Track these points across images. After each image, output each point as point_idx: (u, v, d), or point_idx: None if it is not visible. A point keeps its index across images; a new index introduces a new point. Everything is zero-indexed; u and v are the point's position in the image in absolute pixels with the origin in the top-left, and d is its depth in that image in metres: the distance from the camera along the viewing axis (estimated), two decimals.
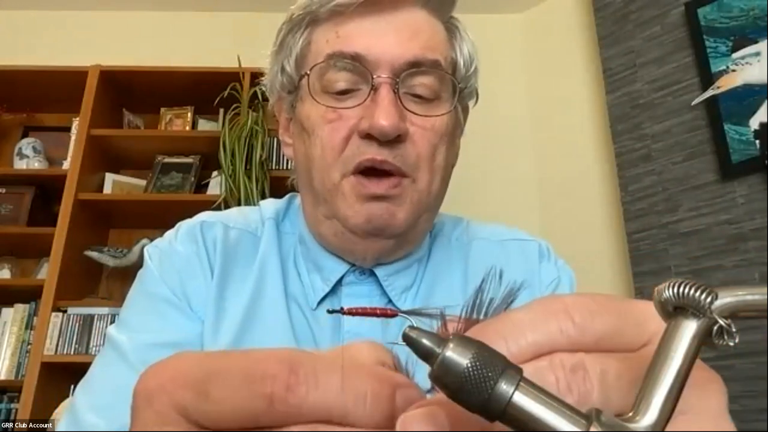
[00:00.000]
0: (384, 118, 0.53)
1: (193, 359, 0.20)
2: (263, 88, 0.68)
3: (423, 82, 0.57)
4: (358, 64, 0.56)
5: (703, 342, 0.19)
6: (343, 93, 0.57)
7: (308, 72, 0.58)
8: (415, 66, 0.56)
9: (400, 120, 0.54)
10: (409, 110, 0.56)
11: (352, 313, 0.29)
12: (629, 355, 0.20)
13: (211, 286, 0.60)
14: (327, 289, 0.61)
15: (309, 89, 0.58)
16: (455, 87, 0.60)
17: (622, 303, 0.21)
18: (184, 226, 0.65)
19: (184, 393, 0.18)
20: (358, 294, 0.62)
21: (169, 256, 0.62)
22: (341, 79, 0.57)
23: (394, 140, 0.55)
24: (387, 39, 0.56)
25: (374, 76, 0.55)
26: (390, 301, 0.62)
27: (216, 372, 0.18)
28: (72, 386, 1.90)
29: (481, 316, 0.22)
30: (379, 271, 0.62)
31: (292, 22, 0.61)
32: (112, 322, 2.03)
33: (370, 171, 0.55)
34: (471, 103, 0.67)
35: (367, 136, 0.55)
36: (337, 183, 0.56)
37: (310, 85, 0.58)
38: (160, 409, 0.19)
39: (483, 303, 0.22)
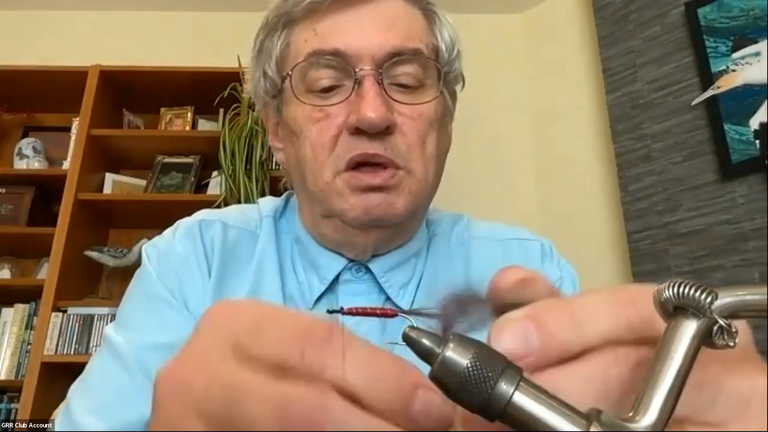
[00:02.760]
0: (371, 110, 0.53)
1: (247, 303, 0.23)
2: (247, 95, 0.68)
3: (406, 71, 0.57)
4: (339, 59, 0.55)
5: (703, 342, 0.19)
6: (327, 90, 0.56)
7: (290, 73, 0.58)
8: (397, 55, 0.56)
9: (386, 110, 0.54)
10: (395, 100, 0.56)
11: (352, 313, 0.29)
12: None
13: (208, 286, 0.59)
14: (323, 288, 0.61)
15: (293, 90, 0.57)
16: (439, 72, 0.60)
17: None
18: (182, 224, 0.64)
19: (240, 326, 0.22)
20: (356, 292, 0.62)
21: (167, 255, 0.61)
22: (324, 77, 0.56)
23: (383, 132, 0.54)
24: (365, 31, 0.56)
25: (356, 70, 0.55)
26: (388, 298, 0.61)
27: (269, 315, 0.22)
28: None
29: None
30: (375, 268, 0.61)
31: (268, 26, 0.61)
32: (112, 322, 2.03)
33: (362, 165, 0.55)
34: (458, 88, 0.66)
35: (356, 131, 0.54)
36: (330, 181, 0.56)
37: (293, 85, 0.57)
38: (218, 335, 0.22)
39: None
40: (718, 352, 0.19)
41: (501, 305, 0.22)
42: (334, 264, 0.61)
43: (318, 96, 0.57)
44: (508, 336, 0.20)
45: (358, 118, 0.53)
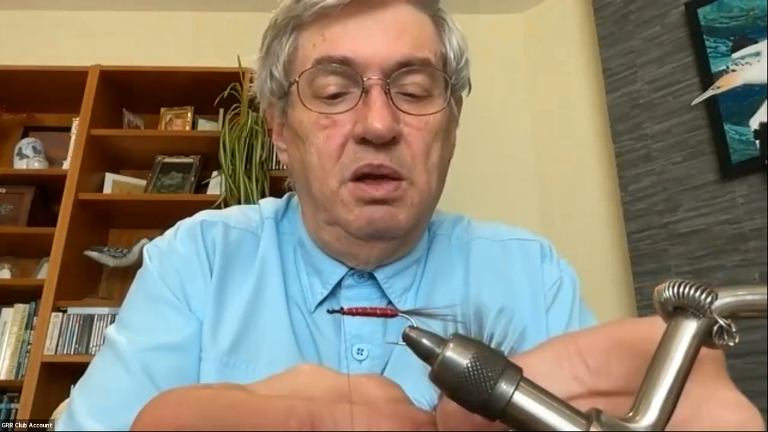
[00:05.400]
0: (378, 120, 0.52)
1: (196, 405, 0.18)
2: (252, 94, 0.68)
3: (414, 81, 0.56)
4: (347, 67, 0.55)
5: (703, 342, 0.19)
6: (334, 97, 0.56)
7: (297, 79, 0.57)
8: (405, 65, 0.55)
9: (393, 121, 0.54)
10: (401, 110, 0.56)
11: (352, 312, 0.29)
12: None
13: (210, 287, 0.59)
14: (326, 293, 0.60)
15: (299, 95, 0.57)
16: (447, 82, 0.59)
17: (642, 340, 0.20)
18: (183, 225, 0.64)
19: None
20: (358, 297, 0.61)
21: (169, 256, 0.61)
22: (331, 83, 0.56)
23: (389, 142, 0.54)
24: (374, 39, 0.55)
25: (364, 79, 0.55)
26: (390, 302, 0.61)
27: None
28: (72, 386, 1.90)
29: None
30: (379, 274, 0.61)
31: (276, 28, 0.61)
32: (112, 322, 2.02)
33: (367, 176, 0.55)
34: (464, 93, 0.66)
35: (363, 141, 0.54)
36: (335, 190, 0.56)
37: (300, 91, 0.57)
38: None
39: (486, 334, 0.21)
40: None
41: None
42: (336, 270, 0.61)
43: (325, 102, 0.56)
44: (452, 414, 0.19)
45: (364, 129, 0.53)
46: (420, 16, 0.59)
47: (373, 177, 0.55)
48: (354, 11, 0.56)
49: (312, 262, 0.63)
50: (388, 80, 0.55)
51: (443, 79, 0.59)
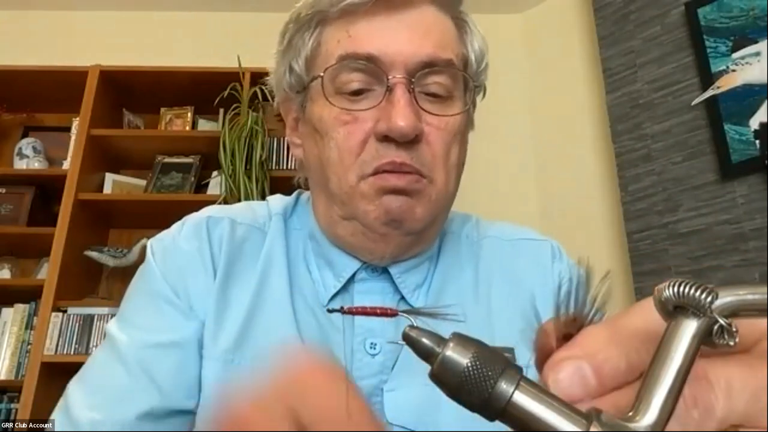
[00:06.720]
0: (402, 119, 0.53)
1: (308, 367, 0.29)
2: (265, 88, 0.67)
3: (437, 81, 0.57)
4: (371, 65, 0.55)
5: (704, 341, 0.19)
6: (357, 93, 0.56)
7: (321, 74, 0.57)
8: (429, 66, 0.56)
9: (417, 120, 0.54)
10: (424, 110, 0.56)
11: (352, 312, 0.29)
12: (745, 357, 0.19)
13: (213, 285, 0.59)
14: (339, 286, 0.60)
15: (323, 91, 0.57)
16: (468, 84, 0.60)
17: None
18: (189, 220, 0.64)
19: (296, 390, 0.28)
20: (371, 291, 0.61)
21: (172, 253, 0.61)
22: (354, 80, 0.56)
23: (411, 141, 0.54)
24: (399, 38, 0.56)
25: (389, 77, 0.55)
26: (402, 298, 0.61)
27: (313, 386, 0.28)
28: None
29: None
30: (393, 269, 0.61)
31: (299, 22, 0.60)
32: (115, 317, 2.02)
33: (388, 173, 0.55)
34: (478, 98, 0.67)
35: (385, 138, 0.54)
36: (354, 185, 0.56)
37: (323, 86, 0.57)
38: (279, 392, 0.28)
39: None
40: None
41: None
42: (350, 263, 0.61)
43: (347, 99, 0.56)
44: (566, 378, 0.20)
45: (388, 127, 0.53)
46: (443, 18, 0.59)
47: (395, 173, 0.55)
48: (379, 10, 0.56)
49: (324, 255, 0.62)
50: (413, 79, 0.55)
51: (464, 81, 0.60)
